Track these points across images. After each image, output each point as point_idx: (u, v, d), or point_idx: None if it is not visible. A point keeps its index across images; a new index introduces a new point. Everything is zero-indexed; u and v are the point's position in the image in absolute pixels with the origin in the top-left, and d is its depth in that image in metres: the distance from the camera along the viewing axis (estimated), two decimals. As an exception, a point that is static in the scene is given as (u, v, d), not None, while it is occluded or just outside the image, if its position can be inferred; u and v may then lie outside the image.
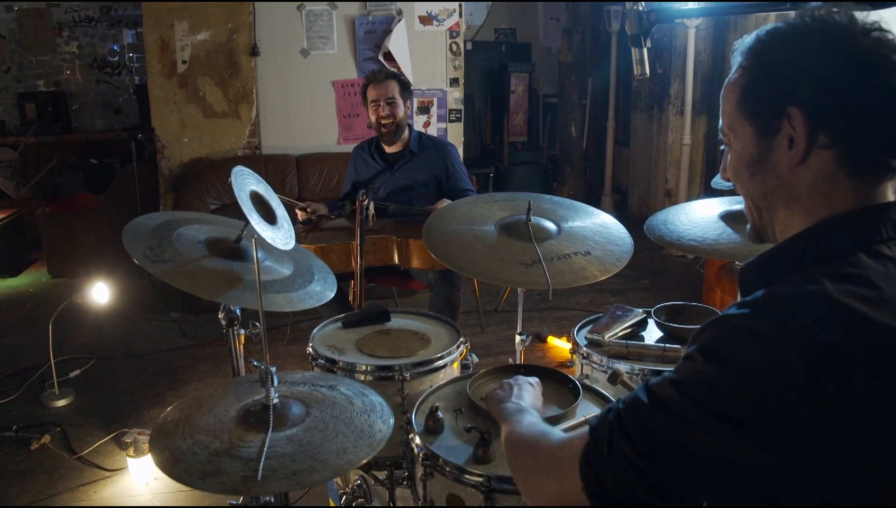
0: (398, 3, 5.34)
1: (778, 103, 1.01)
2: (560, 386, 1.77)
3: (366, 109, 3.60)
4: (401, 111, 3.51)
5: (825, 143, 0.98)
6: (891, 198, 1.01)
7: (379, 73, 3.57)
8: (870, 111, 0.96)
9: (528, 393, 1.51)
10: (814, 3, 1.05)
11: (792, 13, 1.24)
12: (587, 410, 1.67)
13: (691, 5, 5.69)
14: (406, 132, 3.60)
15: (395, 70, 5.10)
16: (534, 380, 1.61)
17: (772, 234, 1.10)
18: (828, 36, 0.99)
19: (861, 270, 0.93)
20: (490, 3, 8.10)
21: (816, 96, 0.98)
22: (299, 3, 5.23)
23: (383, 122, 3.52)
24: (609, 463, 0.94)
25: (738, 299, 1.02)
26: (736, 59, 1.09)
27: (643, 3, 1.58)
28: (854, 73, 0.96)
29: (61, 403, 3.56)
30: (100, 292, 3.60)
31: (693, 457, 0.87)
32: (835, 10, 1.01)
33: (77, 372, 3.87)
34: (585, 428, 1.01)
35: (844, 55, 0.97)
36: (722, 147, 1.15)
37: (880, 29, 0.99)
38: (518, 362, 2.33)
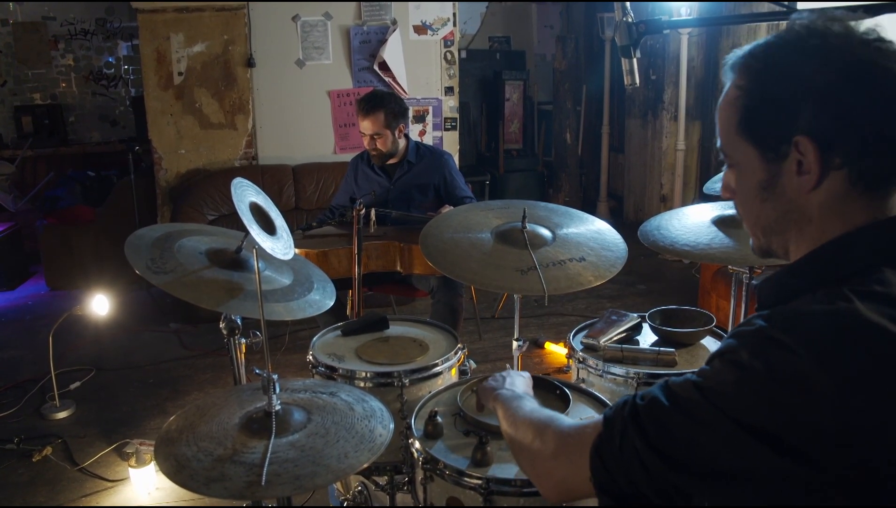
0: (392, 7, 5.37)
1: (783, 129, 0.97)
2: (549, 394, 1.79)
3: None
4: (387, 143, 3.53)
5: (837, 164, 0.95)
6: None
7: (366, 103, 3.50)
8: (878, 127, 0.93)
9: (520, 383, 1.54)
10: (806, 13, 1.00)
11: (783, 23, 1.16)
12: (582, 413, 1.70)
13: (683, 11, 5.71)
14: (402, 145, 3.63)
15: (388, 87, 5.15)
16: (524, 373, 1.64)
17: (783, 254, 1.07)
18: (827, 51, 0.94)
19: (888, 288, 0.91)
20: (484, 11, 8.15)
21: (822, 119, 0.94)
22: (294, 13, 5.27)
23: (371, 152, 3.59)
24: (620, 457, 0.94)
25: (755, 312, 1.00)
26: (728, 76, 1.05)
27: (632, 13, 1.61)
28: (857, 89, 0.93)
29: (62, 415, 3.58)
30: (99, 304, 3.62)
31: (707, 460, 0.87)
32: (830, 20, 0.97)
33: (77, 384, 3.88)
34: (599, 418, 1.02)
35: (846, 71, 0.93)
36: (724, 167, 1.10)
37: (880, 39, 0.95)
38: (515, 368, 2.36)
